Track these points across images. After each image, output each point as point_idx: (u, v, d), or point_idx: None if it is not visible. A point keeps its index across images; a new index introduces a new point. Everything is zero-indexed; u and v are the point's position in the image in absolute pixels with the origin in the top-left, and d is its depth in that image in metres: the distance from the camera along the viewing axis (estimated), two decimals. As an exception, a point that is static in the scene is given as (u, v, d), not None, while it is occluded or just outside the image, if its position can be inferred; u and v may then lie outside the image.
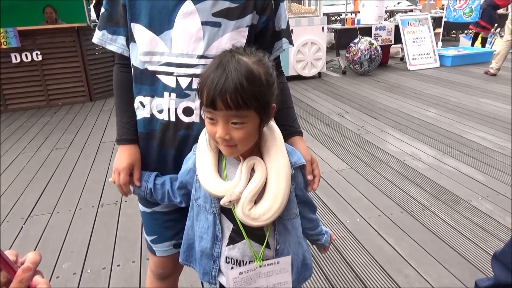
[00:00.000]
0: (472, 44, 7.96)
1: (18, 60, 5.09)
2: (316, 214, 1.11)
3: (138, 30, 1.01)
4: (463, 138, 3.55)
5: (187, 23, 0.97)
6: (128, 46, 1.07)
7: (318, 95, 5.39)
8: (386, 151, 3.32)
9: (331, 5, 9.79)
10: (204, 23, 0.97)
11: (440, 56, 7.06)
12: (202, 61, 0.99)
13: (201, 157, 0.93)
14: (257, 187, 0.88)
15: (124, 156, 1.08)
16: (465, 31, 8.44)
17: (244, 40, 1.02)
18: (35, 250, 2.15)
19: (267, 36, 1.08)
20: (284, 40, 1.12)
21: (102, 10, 1.07)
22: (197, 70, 0.99)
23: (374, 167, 3.01)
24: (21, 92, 5.26)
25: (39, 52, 5.11)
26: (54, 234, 2.31)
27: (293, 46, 1.20)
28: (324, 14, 7.15)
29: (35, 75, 5.24)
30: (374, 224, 2.25)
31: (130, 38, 1.04)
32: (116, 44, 1.07)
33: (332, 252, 2.02)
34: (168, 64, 1.01)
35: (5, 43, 4.92)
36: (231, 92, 0.78)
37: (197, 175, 0.94)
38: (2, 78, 5.14)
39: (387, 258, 1.96)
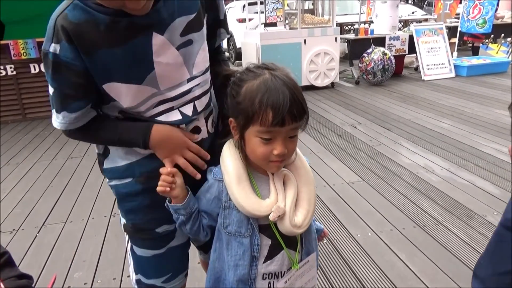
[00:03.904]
0: (473, 55, 7.85)
1: (37, 70, 5.24)
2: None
3: (115, 88, 0.90)
4: (478, 150, 3.48)
5: (166, 56, 0.91)
6: (94, 108, 0.96)
7: (331, 105, 5.37)
8: (399, 164, 3.28)
9: (345, 14, 9.77)
10: (178, 47, 0.92)
11: (456, 66, 6.97)
12: (194, 82, 0.97)
13: (234, 181, 0.90)
14: (295, 196, 0.93)
15: (172, 132, 0.95)
16: (461, 41, 8.27)
17: (206, 41, 1.00)
18: (48, 259, 2.19)
19: (214, 28, 1.07)
20: (223, 30, 1.10)
21: (51, 89, 0.90)
22: (195, 93, 0.98)
23: (387, 180, 2.98)
24: (39, 102, 5.39)
25: (57, 63, 5.25)
26: (67, 243, 2.34)
27: (229, 35, 1.16)
28: (337, 24, 7.16)
29: (53, 84, 5.36)
30: (385, 239, 2.22)
31: (106, 99, 0.94)
32: (84, 118, 0.94)
33: (342, 267, 2.00)
34: (163, 101, 0.95)
35: (24, 54, 5.07)
36: (296, 104, 0.83)
37: (226, 202, 0.94)
38: (21, 88, 5.29)
39: (399, 274, 1.92)
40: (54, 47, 0.84)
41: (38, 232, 2.48)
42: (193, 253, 1.31)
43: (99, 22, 0.84)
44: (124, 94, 0.91)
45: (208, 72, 1.02)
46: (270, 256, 0.95)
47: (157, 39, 0.89)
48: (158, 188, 0.92)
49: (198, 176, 0.95)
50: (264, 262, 0.95)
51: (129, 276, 2.00)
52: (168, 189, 0.92)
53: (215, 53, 1.12)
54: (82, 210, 2.74)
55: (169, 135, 0.96)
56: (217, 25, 1.08)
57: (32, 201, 2.93)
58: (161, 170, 0.93)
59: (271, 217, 0.89)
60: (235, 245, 0.94)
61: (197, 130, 1.02)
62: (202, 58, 0.98)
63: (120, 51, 0.86)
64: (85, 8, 0.83)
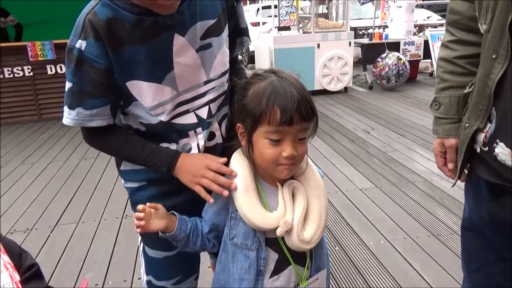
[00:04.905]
0: None
1: (53, 71, 5.33)
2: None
3: (137, 86, 0.92)
4: (495, 158, 3.40)
5: (185, 57, 0.94)
6: (116, 113, 0.97)
7: (344, 110, 5.33)
8: (412, 170, 3.23)
9: (359, 19, 9.71)
10: (198, 50, 0.95)
11: (472, 72, 6.86)
12: (210, 85, 0.99)
13: (241, 192, 0.89)
14: (304, 210, 0.89)
15: (195, 157, 0.96)
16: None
17: (228, 50, 1.03)
18: (60, 259, 2.21)
19: (235, 36, 1.08)
20: (245, 38, 1.12)
21: (69, 84, 0.91)
22: (210, 96, 0.99)
23: (400, 187, 2.93)
24: (55, 102, 5.47)
25: (73, 64, 5.33)
26: (79, 244, 2.36)
27: (250, 42, 1.17)
28: (351, 29, 7.11)
29: (68, 86, 5.44)
30: (399, 247, 2.18)
31: (128, 100, 0.95)
32: (98, 118, 0.93)
33: (354, 275, 1.97)
34: (180, 104, 0.97)
35: (41, 55, 5.16)
36: (304, 103, 0.83)
37: (232, 213, 0.92)
38: (37, 89, 5.38)
39: (412, 284, 1.89)
40: (80, 43, 0.87)
41: (51, 232, 2.51)
42: (204, 257, 1.31)
43: (125, 20, 0.87)
44: (145, 92, 0.92)
45: (224, 76, 1.03)
46: (276, 271, 0.92)
47: (178, 40, 0.91)
48: (137, 228, 0.90)
49: (225, 193, 0.90)
50: (271, 277, 0.92)
51: (139, 279, 2.01)
52: (142, 222, 0.89)
53: (233, 62, 1.13)
54: (94, 211, 2.77)
55: (189, 162, 0.96)
56: (238, 34, 1.09)
57: (46, 200, 2.97)
58: (137, 207, 0.90)
59: (278, 232, 0.85)
60: (241, 257, 0.91)
61: (212, 135, 1.02)
62: (219, 62, 0.99)
63: (143, 48, 0.89)
64: (112, 6, 0.87)
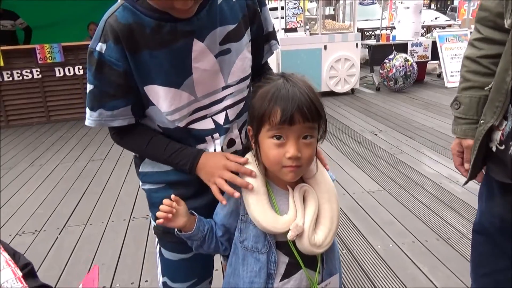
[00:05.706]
0: None
1: (61, 74, 5.37)
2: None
3: (154, 91, 0.93)
4: (505, 161, 3.36)
5: (204, 62, 0.93)
6: (139, 113, 0.98)
7: (351, 111, 5.31)
8: (421, 173, 3.20)
9: (366, 20, 9.66)
10: (217, 55, 0.95)
11: (480, 73, 6.79)
12: (228, 91, 0.98)
13: (251, 195, 0.89)
14: (315, 214, 0.89)
15: (216, 157, 0.96)
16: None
17: (250, 56, 1.02)
18: (68, 260, 2.22)
19: (258, 42, 1.07)
20: (273, 42, 1.11)
21: (90, 87, 0.92)
22: (227, 102, 0.99)
23: (408, 190, 2.91)
24: (63, 104, 5.53)
25: (80, 67, 5.37)
26: (87, 245, 2.37)
27: (279, 46, 1.17)
28: (359, 30, 7.09)
29: (77, 88, 5.49)
30: (407, 251, 2.16)
31: (146, 103, 0.96)
32: (119, 118, 0.95)
33: (362, 279, 1.95)
34: (198, 109, 0.97)
35: (50, 58, 5.21)
36: (308, 103, 0.83)
37: (243, 216, 0.92)
38: (46, 91, 5.43)
39: (421, 288, 1.87)
40: (100, 46, 0.88)
41: (59, 234, 2.52)
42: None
43: (145, 25, 0.88)
44: (162, 98, 0.93)
45: (244, 82, 1.02)
46: (287, 274, 0.92)
47: (197, 46, 0.91)
48: (159, 219, 0.88)
49: (236, 194, 0.90)
50: (281, 280, 0.91)
51: (147, 281, 2.01)
52: (170, 215, 0.87)
53: (263, 68, 1.14)
54: (102, 213, 2.78)
55: (210, 161, 0.97)
56: (266, 39, 1.08)
57: (54, 202, 2.99)
58: (164, 201, 0.89)
59: (289, 236, 0.85)
60: (251, 261, 0.91)
61: (231, 142, 1.02)
62: (238, 67, 0.99)
63: (161, 54, 0.90)
64: (133, 10, 0.88)
